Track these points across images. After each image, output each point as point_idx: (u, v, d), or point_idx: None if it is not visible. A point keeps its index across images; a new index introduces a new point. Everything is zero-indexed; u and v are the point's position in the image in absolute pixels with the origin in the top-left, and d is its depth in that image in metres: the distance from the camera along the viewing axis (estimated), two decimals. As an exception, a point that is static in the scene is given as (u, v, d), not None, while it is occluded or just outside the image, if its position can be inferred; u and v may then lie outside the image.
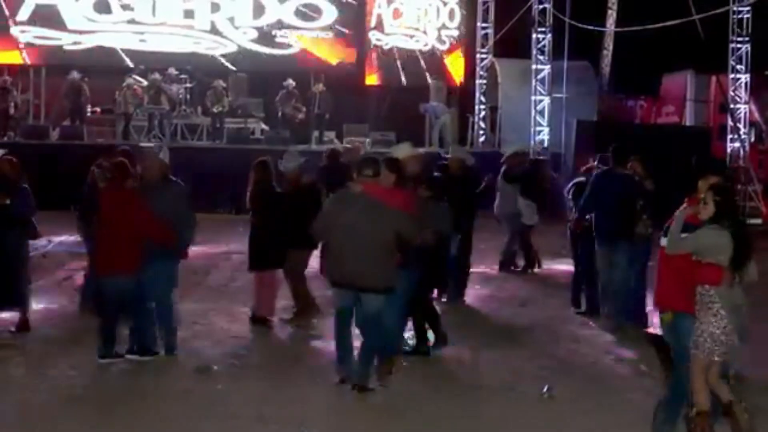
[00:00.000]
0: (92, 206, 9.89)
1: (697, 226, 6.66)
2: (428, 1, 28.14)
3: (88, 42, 26.01)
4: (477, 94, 27.96)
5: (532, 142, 24.56)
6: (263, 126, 25.31)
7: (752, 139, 25.26)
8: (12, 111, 24.27)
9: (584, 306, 12.04)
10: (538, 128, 25.13)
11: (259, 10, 26.85)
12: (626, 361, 9.80)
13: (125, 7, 26.13)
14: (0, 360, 9.33)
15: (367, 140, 24.50)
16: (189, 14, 26.52)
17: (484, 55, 28.04)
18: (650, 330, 10.35)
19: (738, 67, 23.89)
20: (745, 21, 23.54)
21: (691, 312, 6.67)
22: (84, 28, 25.97)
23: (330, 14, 27.28)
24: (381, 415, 7.90)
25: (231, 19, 26.72)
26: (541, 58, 25.25)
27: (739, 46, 23.73)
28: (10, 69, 25.37)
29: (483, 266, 14.94)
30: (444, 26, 28.24)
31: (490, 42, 27.77)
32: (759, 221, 22.78)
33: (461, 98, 28.21)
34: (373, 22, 27.72)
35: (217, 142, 24.31)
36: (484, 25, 27.87)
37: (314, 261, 11.69)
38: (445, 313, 10.65)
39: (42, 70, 26.19)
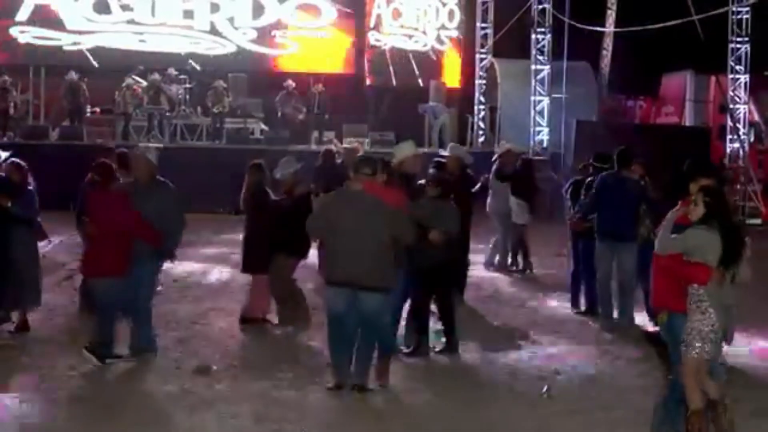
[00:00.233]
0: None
1: (687, 226, 6.73)
2: (428, 2, 28.16)
3: (87, 42, 26.04)
4: (476, 95, 27.98)
5: (531, 143, 24.57)
6: (263, 126, 25.32)
7: (751, 140, 25.25)
8: (11, 111, 24.30)
9: (584, 306, 12.05)
10: (538, 128, 25.13)
11: (258, 11, 26.86)
12: (626, 361, 9.80)
13: (125, 8, 26.16)
14: (0, 360, 9.33)
15: (367, 140, 24.51)
16: (188, 14, 26.56)
17: (483, 56, 28.06)
18: (649, 329, 10.40)
19: (737, 67, 23.89)
20: (744, 21, 23.55)
21: (684, 312, 6.74)
22: (83, 29, 26.00)
23: (329, 14, 27.28)
24: (381, 415, 7.90)
25: (230, 20, 26.74)
26: (540, 58, 25.24)
27: (738, 46, 23.74)
28: (10, 69, 25.38)
29: (481, 266, 14.95)
30: (443, 27, 28.25)
31: (490, 42, 27.79)
32: (758, 221, 22.79)
33: (461, 98, 28.22)
34: (372, 23, 27.74)
35: (216, 143, 24.32)
36: (483, 25, 27.88)
37: (314, 261, 11.71)
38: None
39: (41, 71, 26.21)
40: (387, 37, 27.80)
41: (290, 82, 25.11)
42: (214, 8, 26.64)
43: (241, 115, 25.30)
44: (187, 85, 25.62)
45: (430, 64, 28.04)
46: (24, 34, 25.78)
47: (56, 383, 8.54)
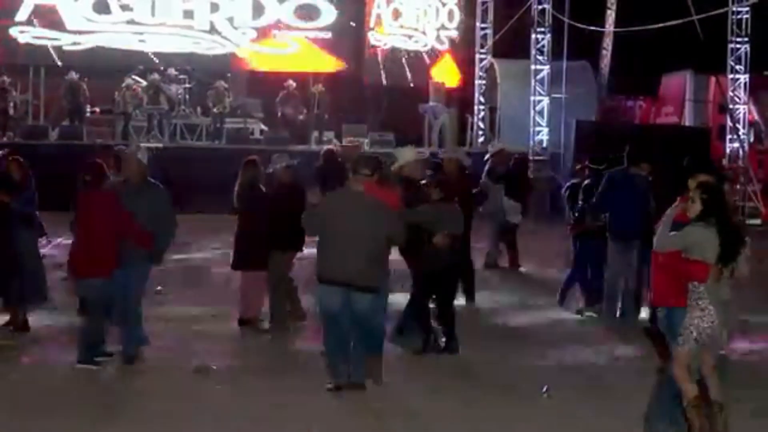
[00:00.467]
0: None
1: (686, 223, 6.75)
2: (427, 2, 28.15)
3: (87, 42, 26.01)
4: (476, 95, 27.97)
5: (531, 143, 24.58)
6: (263, 126, 25.33)
7: (751, 140, 25.26)
8: (11, 111, 24.29)
9: (582, 304, 12.05)
10: (538, 128, 25.12)
11: (258, 11, 26.85)
12: (626, 361, 9.80)
13: (124, 8, 26.13)
14: (0, 360, 9.33)
15: (366, 140, 24.51)
16: (188, 14, 26.53)
17: (483, 56, 28.05)
18: (650, 327, 10.38)
19: (737, 67, 23.90)
20: (744, 21, 23.56)
21: (684, 307, 6.77)
22: (83, 29, 25.97)
23: (329, 14, 27.28)
24: (381, 415, 7.90)
25: (230, 19, 26.72)
26: (540, 58, 25.23)
27: (738, 46, 23.74)
28: (10, 69, 25.37)
29: (479, 266, 14.93)
30: (443, 27, 28.24)
31: (490, 42, 27.78)
32: (758, 221, 22.78)
33: (460, 99, 28.22)
34: (372, 23, 27.73)
35: (216, 143, 24.32)
36: (483, 25, 27.88)
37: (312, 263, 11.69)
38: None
39: (41, 70, 26.20)
40: (387, 37, 27.78)
41: (290, 82, 25.11)
42: (214, 8, 26.62)
43: (241, 115, 25.30)
44: (187, 85, 25.61)
45: (430, 64, 28.01)
46: (24, 34, 25.74)
47: (56, 383, 8.54)
